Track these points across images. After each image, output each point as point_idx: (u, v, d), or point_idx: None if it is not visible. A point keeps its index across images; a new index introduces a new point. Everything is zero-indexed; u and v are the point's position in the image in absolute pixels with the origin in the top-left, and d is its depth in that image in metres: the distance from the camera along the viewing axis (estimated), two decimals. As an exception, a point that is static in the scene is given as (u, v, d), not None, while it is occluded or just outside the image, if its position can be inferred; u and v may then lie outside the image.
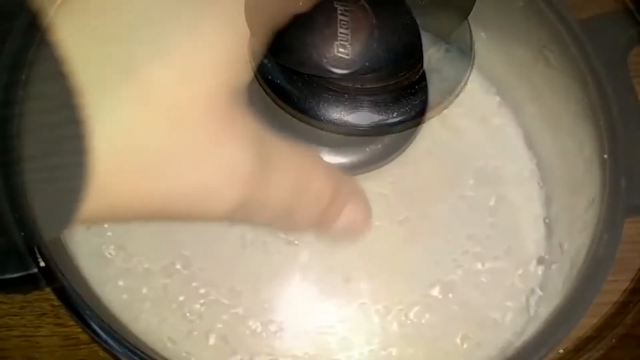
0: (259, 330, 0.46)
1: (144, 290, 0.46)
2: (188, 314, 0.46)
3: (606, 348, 0.50)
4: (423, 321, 0.46)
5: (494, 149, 0.51)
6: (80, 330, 0.48)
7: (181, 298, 0.46)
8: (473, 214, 0.49)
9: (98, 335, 0.38)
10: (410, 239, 0.48)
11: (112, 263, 0.46)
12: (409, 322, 0.46)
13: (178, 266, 0.47)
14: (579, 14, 0.45)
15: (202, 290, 0.46)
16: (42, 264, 0.39)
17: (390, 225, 0.48)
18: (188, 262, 0.47)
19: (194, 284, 0.46)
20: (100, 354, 0.48)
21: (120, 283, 0.46)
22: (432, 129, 0.51)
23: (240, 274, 0.47)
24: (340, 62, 0.32)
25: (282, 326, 0.46)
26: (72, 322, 0.48)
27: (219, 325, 0.46)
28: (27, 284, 0.41)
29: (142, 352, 0.38)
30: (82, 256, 0.45)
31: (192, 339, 0.45)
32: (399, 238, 0.48)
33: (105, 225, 0.47)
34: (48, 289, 0.47)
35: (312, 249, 0.47)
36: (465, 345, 0.46)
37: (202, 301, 0.46)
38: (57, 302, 0.49)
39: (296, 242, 0.47)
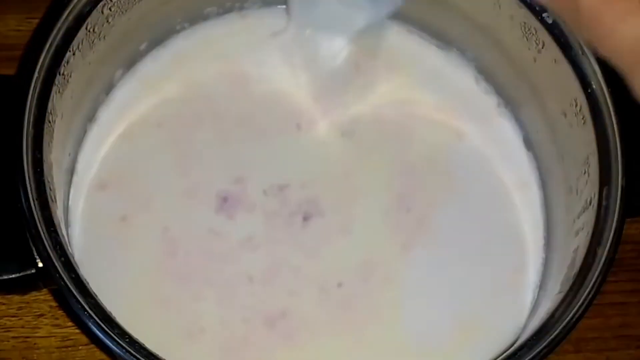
0: (258, 332, 0.46)
1: (143, 292, 0.46)
2: (187, 316, 0.46)
3: (606, 348, 0.50)
4: (421, 320, 0.46)
5: (492, 150, 0.51)
6: (78, 331, 0.48)
7: (180, 300, 0.46)
8: (472, 214, 0.49)
9: (96, 337, 0.38)
10: (410, 241, 0.48)
11: (110, 263, 0.46)
12: (406, 320, 0.46)
13: (170, 244, 0.47)
14: (579, 14, 0.45)
15: (202, 292, 0.46)
16: (40, 264, 0.39)
17: (390, 226, 0.48)
18: (188, 264, 0.47)
19: (194, 286, 0.46)
20: (98, 355, 0.48)
21: (119, 284, 0.45)
22: (431, 129, 0.51)
23: (236, 274, 0.47)
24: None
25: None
26: (70, 323, 0.48)
27: (217, 328, 0.45)
28: (25, 285, 0.41)
29: (140, 354, 0.37)
30: (80, 256, 0.45)
31: (191, 341, 0.45)
32: (399, 240, 0.48)
33: (104, 226, 0.47)
34: (46, 290, 0.47)
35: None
36: (464, 344, 0.46)
37: (201, 303, 0.46)
38: (55, 303, 0.49)
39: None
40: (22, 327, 0.48)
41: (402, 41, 0.52)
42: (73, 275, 0.38)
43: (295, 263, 0.47)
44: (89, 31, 0.44)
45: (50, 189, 0.41)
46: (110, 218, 0.47)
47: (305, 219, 0.48)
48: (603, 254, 0.41)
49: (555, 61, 0.45)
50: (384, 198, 0.49)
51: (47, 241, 0.39)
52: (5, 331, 0.48)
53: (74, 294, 0.38)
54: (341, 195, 0.49)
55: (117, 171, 0.48)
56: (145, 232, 0.47)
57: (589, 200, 0.43)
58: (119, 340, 0.37)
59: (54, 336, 0.48)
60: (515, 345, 0.41)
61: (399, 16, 0.52)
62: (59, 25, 0.42)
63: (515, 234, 0.49)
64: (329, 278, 0.47)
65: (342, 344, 0.46)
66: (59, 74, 0.42)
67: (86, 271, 0.40)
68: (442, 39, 0.52)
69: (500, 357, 0.40)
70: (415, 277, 0.47)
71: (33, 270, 0.40)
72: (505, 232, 0.49)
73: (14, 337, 0.48)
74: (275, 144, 0.49)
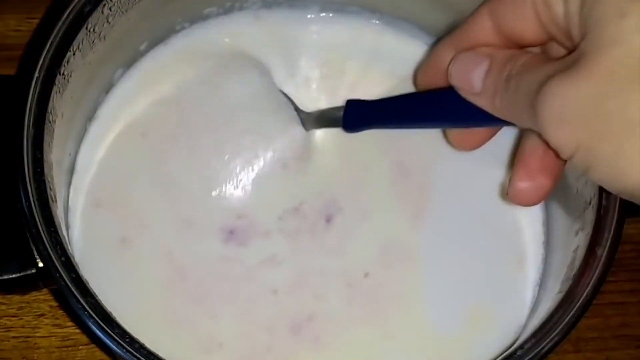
0: (282, 339, 0.45)
1: (142, 292, 0.46)
2: (204, 333, 0.45)
3: (606, 348, 0.50)
4: (421, 320, 0.46)
5: (492, 149, 0.51)
6: (78, 331, 0.48)
7: (195, 319, 0.45)
8: (473, 213, 0.49)
9: (96, 336, 0.38)
10: (414, 239, 0.48)
11: (110, 264, 0.46)
12: (426, 306, 0.46)
13: (177, 268, 0.46)
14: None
15: (218, 311, 0.46)
16: (40, 264, 0.39)
17: (395, 224, 0.48)
18: (199, 287, 0.46)
19: (208, 306, 0.46)
20: (99, 355, 0.48)
21: (119, 284, 0.45)
22: (431, 129, 0.51)
23: (257, 290, 0.46)
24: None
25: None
26: (70, 323, 0.49)
27: (238, 340, 0.45)
28: (25, 285, 0.41)
29: (140, 353, 0.37)
30: (80, 257, 0.45)
31: (191, 341, 0.45)
32: (403, 238, 0.48)
33: (104, 247, 0.47)
34: (46, 290, 0.47)
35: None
36: (464, 344, 0.46)
37: (218, 320, 0.45)
38: (55, 303, 0.49)
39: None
40: (23, 327, 0.49)
41: (400, 41, 0.52)
42: (73, 275, 0.38)
43: (322, 266, 0.46)
44: (89, 31, 0.44)
45: (51, 189, 0.41)
46: (109, 240, 0.46)
47: (328, 220, 0.48)
48: (603, 253, 0.41)
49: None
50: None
51: (47, 241, 0.39)
52: (5, 331, 0.48)
53: (74, 294, 0.38)
54: (353, 186, 0.49)
55: (116, 178, 0.48)
56: (147, 255, 0.46)
57: (588, 200, 0.43)
58: (119, 340, 0.38)
59: (54, 336, 0.48)
60: (516, 345, 0.41)
61: (398, 17, 0.52)
62: (59, 25, 0.42)
63: (515, 233, 0.49)
64: (355, 271, 0.47)
65: (367, 339, 0.46)
66: (59, 74, 0.42)
67: (86, 271, 0.40)
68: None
69: (501, 357, 0.40)
70: (430, 253, 0.47)
71: (33, 270, 0.40)
72: (505, 231, 0.49)
73: (14, 337, 0.48)
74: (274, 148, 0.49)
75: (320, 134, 0.49)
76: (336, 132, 0.48)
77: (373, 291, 0.46)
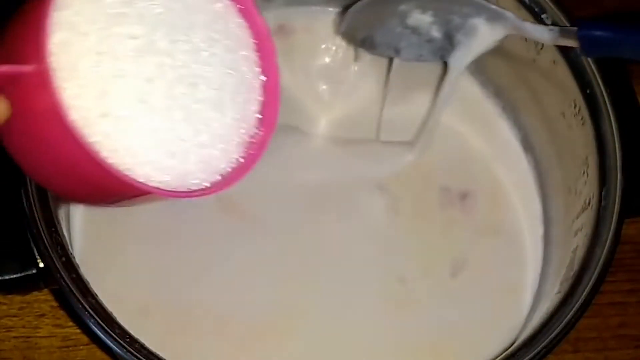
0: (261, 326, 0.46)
1: (143, 291, 0.46)
2: (196, 315, 0.45)
3: (605, 348, 0.50)
4: (419, 319, 0.46)
5: (491, 151, 0.51)
6: (79, 331, 0.48)
7: (181, 299, 0.46)
8: (472, 214, 0.49)
9: (97, 336, 0.38)
10: (412, 239, 0.48)
11: (111, 265, 0.46)
12: (405, 319, 0.46)
13: (178, 268, 0.47)
14: (578, 14, 0.45)
15: (204, 292, 0.46)
16: (41, 265, 0.39)
17: (392, 225, 0.49)
18: (191, 265, 0.47)
19: (203, 287, 0.46)
20: (99, 355, 0.48)
21: (119, 283, 0.46)
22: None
23: (253, 272, 0.47)
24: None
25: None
26: (70, 323, 0.49)
27: (229, 324, 0.45)
28: (26, 285, 0.41)
29: (141, 353, 0.38)
30: (81, 256, 0.45)
31: (191, 339, 0.45)
32: (401, 236, 0.48)
33: (105, 227, 0.47)
34: (47, 290, 0.48)
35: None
36: (462, 345, 0.46)
37: (211, 303, 0.46)
38: (56, 303, 0.49)
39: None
40: (23, 327, 0.49)
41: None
42: (74, 275, 0.38)
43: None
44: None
45: (52, 189, 0.41)
46: (111, 220, 0.47)
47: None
48: (602, 254, 0.41)
49: (554, 62, 0.46)
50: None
51: (48, 241, 0.39)
52: (6, 331, 0.48)
53: (74, 294, 0.38)
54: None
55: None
56: (148, 234, 0.47)
57: (587, 200, 0.44)
58: (119, 340, 0.38)
59: (54, 336, 0.49)
60: (515, 345, 0.41)
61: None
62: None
63: (514, 234, 0.49)
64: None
65: (353, 341, 0.46)
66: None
67: (86, 271, 0.40)
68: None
69: (500, 357, 0.40)
70: (418, 271, 0.47)
71: (34, 270, 0.40)
72: (504, 231, 0.49)
73: (15, 337, 0.48)
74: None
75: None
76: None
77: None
